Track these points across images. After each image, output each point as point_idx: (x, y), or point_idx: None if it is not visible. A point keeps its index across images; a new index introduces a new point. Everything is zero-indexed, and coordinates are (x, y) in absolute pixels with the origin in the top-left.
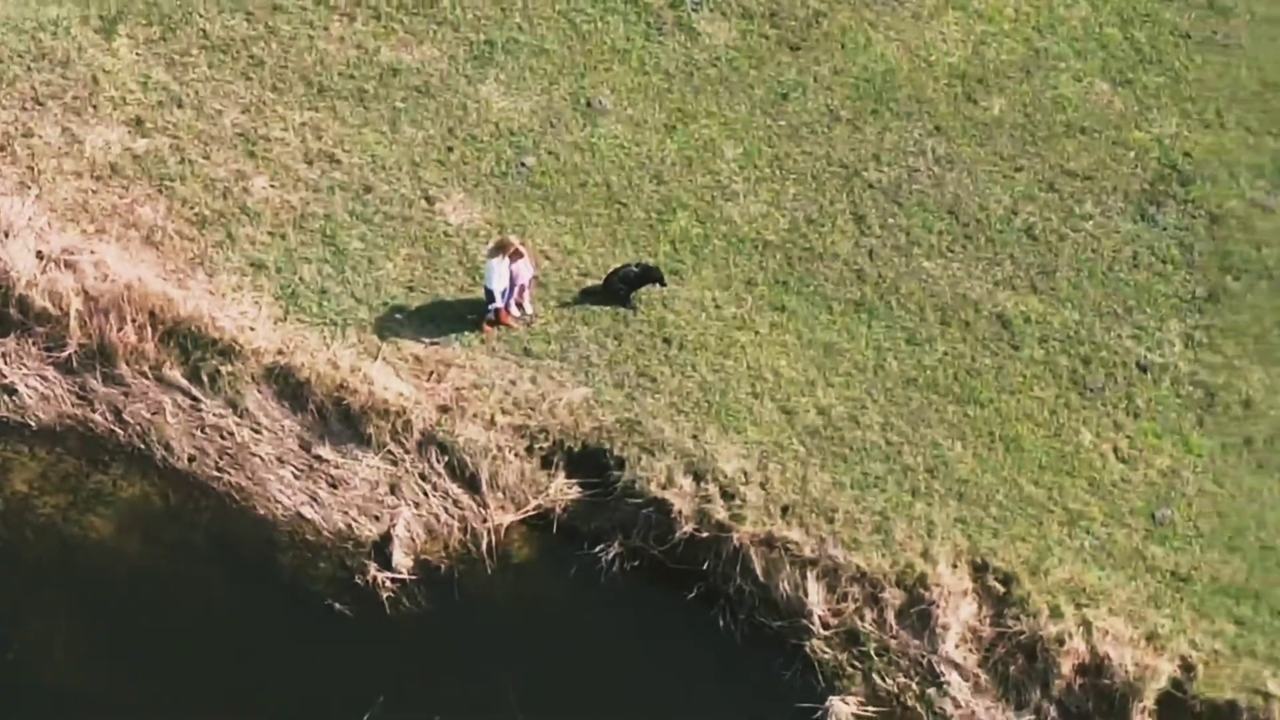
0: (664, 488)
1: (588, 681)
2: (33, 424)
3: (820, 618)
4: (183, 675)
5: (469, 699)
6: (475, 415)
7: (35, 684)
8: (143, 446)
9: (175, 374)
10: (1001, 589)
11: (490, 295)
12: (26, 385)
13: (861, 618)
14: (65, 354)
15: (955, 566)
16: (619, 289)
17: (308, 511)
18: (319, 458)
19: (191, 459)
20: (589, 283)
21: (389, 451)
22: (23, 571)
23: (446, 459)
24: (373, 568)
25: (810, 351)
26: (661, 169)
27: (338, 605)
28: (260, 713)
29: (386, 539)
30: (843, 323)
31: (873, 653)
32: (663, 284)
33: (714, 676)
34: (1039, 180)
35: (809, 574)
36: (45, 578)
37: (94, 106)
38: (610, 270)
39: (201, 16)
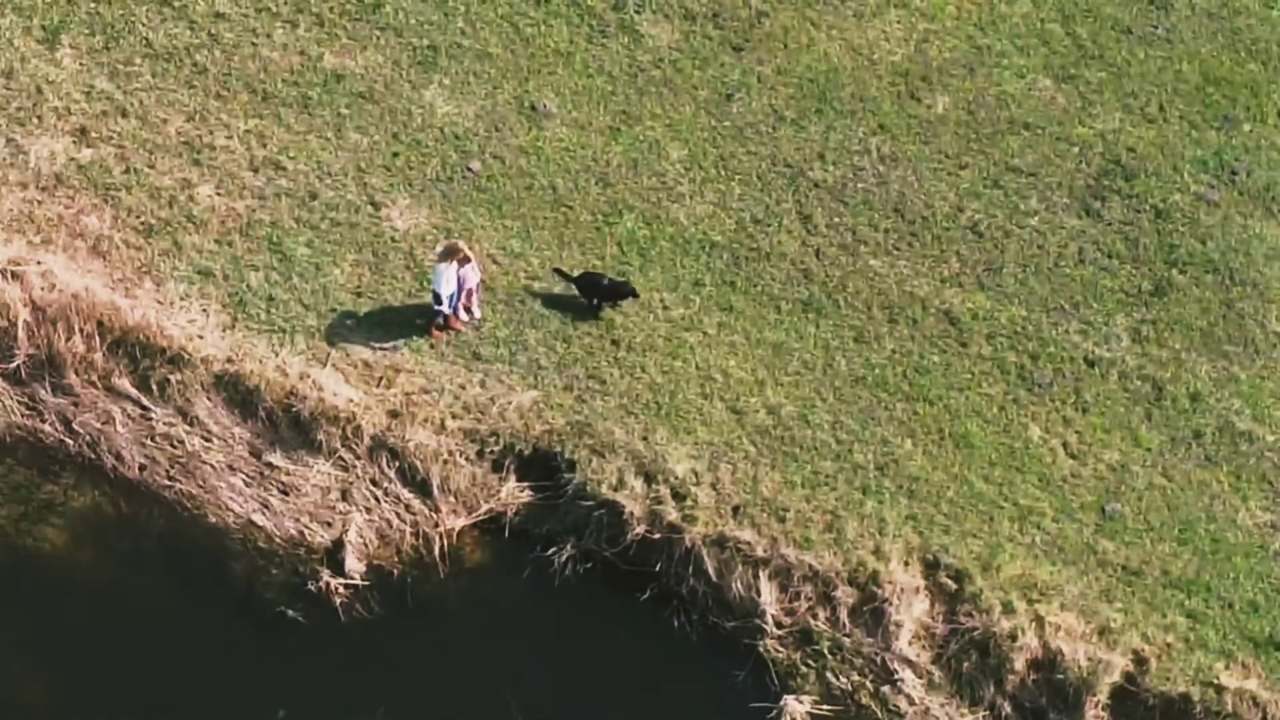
0: (615, 489)
1: (542, 685)
2: None
3: (773, 617)
4: (134, 685)
5: (423, 704)
6: (425, 420)
7: None
8: (93, 456)
9: (124, 383)
10: (954, 586)
11: (438, 300)
12: None
13: (815, 616)
14: (13, 365)
15: (907, 564)
16: (590, 297)
17: (259, 519)
18: (270, 465)
19: (142, 468)
20: (537, 286)
21: (340, 458)
22: None
23: (397, 464)
24: (325, 574)
25: (759, 351)
26: (607, 171)
27: (290, 612)
28: None
29: (339, 545)
30: (791, 322)
31: (826, 651)
32: (635, 297)
33: (668, 678)
34: (984, 177)
35: (761, 574)
36: None
37: (38, 117)
38: (584, 271)
39: (144, 25)
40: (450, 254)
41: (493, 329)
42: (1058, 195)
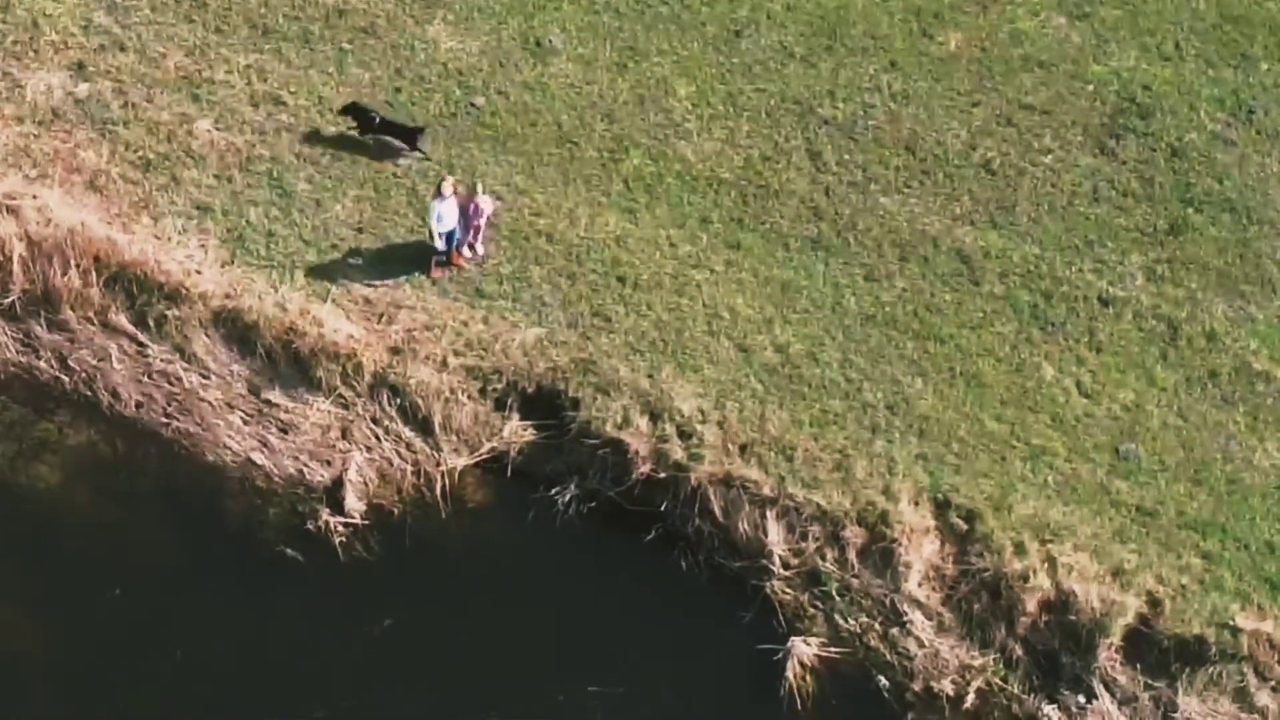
0: (620, 428)
1: (544, 629)
2: None
3: (780, 558)
4: (129, 625)
5: (422, 646)
6: (427, 357)
7: None
8: (89, 393)
9: (121, 319)
10: (964, 526)
11: (432, 236)
12: None
13: (822, 557)
14: (8, 300)
15: (917, 504)
16: (364, 131)
17: (258, 457)
18: (269, 402)
19: (139, 405)
20: (541, 222)
21: (340, 395)
22: None
23: (398, 402)
24: (324, 513)
25: (767, 289)
26: (613, 108)
27: (289, 551)
28: (209, 662)
29: (338, 484)
30: (800, 260)
31: (834, 593)
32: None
33: (674, 620)
34: (997, 115)
35: (768, 513)
36: None
37: (35, 51)
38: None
39: None
40: (447, 185)
41: (496, 265)
42: (1072, 133)
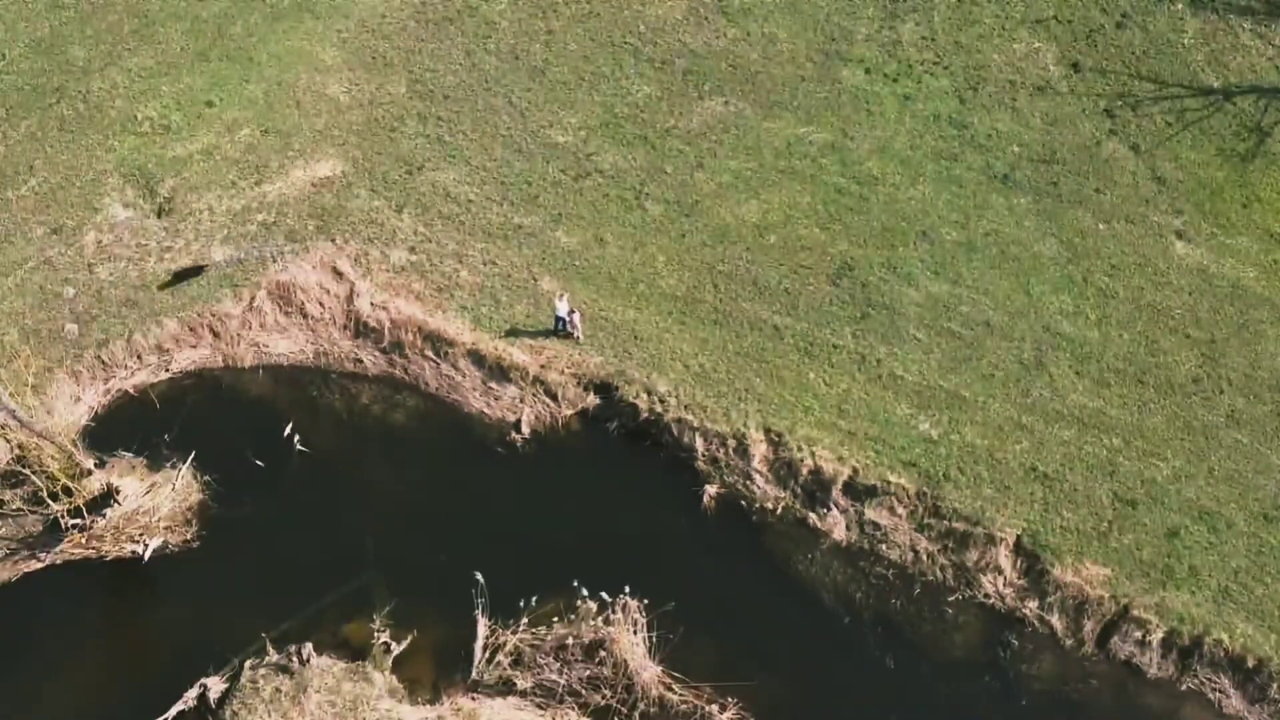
0: (635, 398)
1: (600, 483)
2: (370, 373)
3: (701, 452)
4: (424, 486)
5: (553, 482)
6: (555, 369)
7: (359, 498)
8: (416, 384)
9: (426, 349)
10: (776, 439)
11: (557, 320)
12: (371, 359)
13: (719, 451)
14: (383, 344)
15: (758, 430)
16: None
17: (486, 410)
18: (490, 387)
19: (436, 388)
20: (603, 317)
21: (519, 384)
22: (361, 440)
23: (544, 387)
24: (514, 434)
25: (696, 342)
26: (633, 271)
27: (499, 449)
28: (465, 498)
29: (519, 421)
30: (709, 330)
31: (724, 467)
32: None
33: (655, 480)
34: (792, 271)
35: (696, 434)
36: (372, 444)
37: (387, 240)
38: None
39: (442, 198)
40: (563, 298)
41: (585, 333)
42: (816, 277)
